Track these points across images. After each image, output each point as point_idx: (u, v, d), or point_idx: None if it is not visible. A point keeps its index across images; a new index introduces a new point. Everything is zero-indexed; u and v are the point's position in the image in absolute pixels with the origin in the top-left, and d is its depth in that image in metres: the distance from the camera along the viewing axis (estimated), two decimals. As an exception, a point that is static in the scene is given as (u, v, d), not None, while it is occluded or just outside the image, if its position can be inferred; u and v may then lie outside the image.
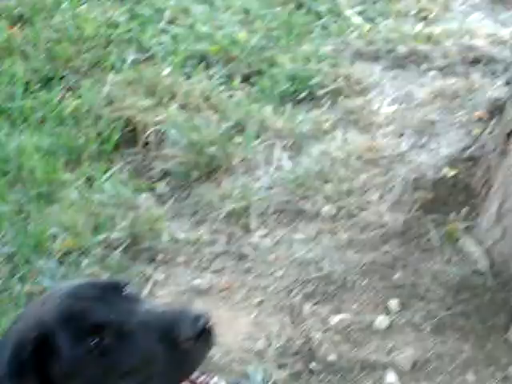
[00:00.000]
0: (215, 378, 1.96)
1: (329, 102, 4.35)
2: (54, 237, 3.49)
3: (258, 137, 4.13)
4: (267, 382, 2.78)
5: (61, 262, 3.37)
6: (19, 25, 5.01)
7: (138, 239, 3.52)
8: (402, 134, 3.99)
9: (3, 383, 1.83)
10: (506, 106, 3.30)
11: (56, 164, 3.91)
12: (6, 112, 4.31)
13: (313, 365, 2.87)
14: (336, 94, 4.39)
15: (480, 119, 3.76)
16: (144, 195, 3.79)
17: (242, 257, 3.46)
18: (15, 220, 3.58)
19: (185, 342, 1.78)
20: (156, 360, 1.84)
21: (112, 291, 1.97)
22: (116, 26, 4.94)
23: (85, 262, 3.36)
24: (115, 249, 3.45)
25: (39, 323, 1.92)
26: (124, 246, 3.46)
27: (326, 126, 4.17)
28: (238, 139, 4.11)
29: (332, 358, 2.88)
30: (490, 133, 3.46)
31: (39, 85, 4.48)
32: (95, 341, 1.84)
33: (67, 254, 3.41)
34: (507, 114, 3.27)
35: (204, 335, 1.80)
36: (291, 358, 2.90)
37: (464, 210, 3.44)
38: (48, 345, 1.87)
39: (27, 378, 1.84)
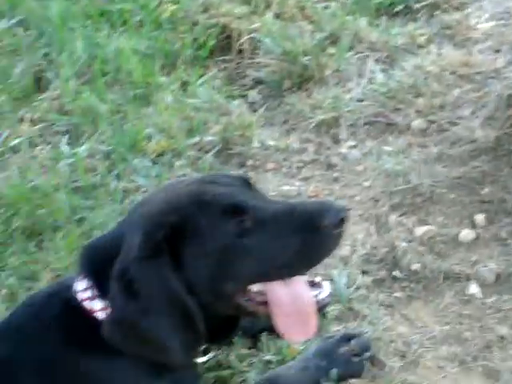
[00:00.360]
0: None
1: (425, 16, 4.29)
2: (149, 137, 3.61)
3: (351, 48, 4.12)
4: (351, 286, 2.84)
5: (155, 162, 3.49)
6: None
7: (230, 144, 3.60)
8: (498, 51, 3.92)
9: (134, 265, 1.94)
10: None
11: (153, 67, 4.01)
12: (107, 14, 4.42)
13: (396, 272, 2.92)
14: (433, 8, 4.32)
15: None
16: (236, 102, 3.85)
17: (330, 166, 3.51)
18: (113, 119, 3.71)
19: (327, 226, 1.95)
20: (297, 243, 1.99)
21: (244, 182, 2.08)
22: None
23: (178, 163, 3.47)
24: (207, 152, 3.55)
25: (177, 207, 2.01)
26: (216, 149, 3.56)
27: (421, 40, 4.13)
28: (331, 50, 4.11)
29: (415, 267, 2.92)
30: None
31: (137, -12, 4.54)
32: (237, 220, 1.97)
33: (161, 154, 3.53)
34: None
35: (342, 225, 1.99)
36: (375, 265, 2.96)
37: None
38: (186, 227, 1.99)
39: (162, 259, 1.96)
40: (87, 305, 2.04)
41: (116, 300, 1.96)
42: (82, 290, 2.05)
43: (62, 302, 2.08)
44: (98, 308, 2.03)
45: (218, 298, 2.04)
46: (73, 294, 2.06)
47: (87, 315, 2.03)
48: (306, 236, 1.98)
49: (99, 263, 2.05)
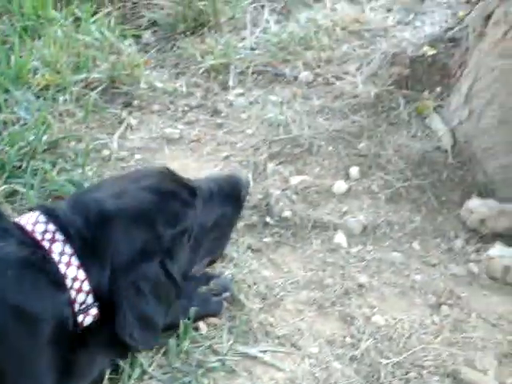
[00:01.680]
0: None
1: (323, -29, 4.33)
2: (35, 71, 3.55)
3: (249, -3, 4.15)
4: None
5: (38, 96, 3.44)
6: None
7: (117, 83, 3.59)
8: (390, 10, 4.01)
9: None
10: (490, -13, 3.32)
11: (45, 0, 3.93)
12: None
13: (268, 219, 2.98)
14: (331, -36, 4.37)
15: (468, 2, 3.76)
16: (128, 41, 3.83)
17: (215, 112, 3.54)
18: (-1, 50, 3.63)
19: (243, 195, 2.49)
20: (228, 213, 2.45)
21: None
22: None
23: (61, 98, 3.43)
24: (93, 90, 3.52)
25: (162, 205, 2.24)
26: (102, 87, 3.54)
27: (318, -7, 4.19)
28: (228, -3, 4.13)
29: (287, 214, 2.99)
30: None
31: None
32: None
33: (45, 88, 3.48)
34: (488, -4, 3.29)
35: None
36: (248, 210, 3.00)
37: (437, 90, 3.49)
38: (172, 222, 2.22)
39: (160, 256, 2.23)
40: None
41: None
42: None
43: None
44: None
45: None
46: None
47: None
48: (234, 206, 2.47)
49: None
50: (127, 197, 2.14)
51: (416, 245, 2.96)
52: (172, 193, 2.22)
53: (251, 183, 2.60)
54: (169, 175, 2.29)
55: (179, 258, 2.21)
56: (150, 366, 2.31)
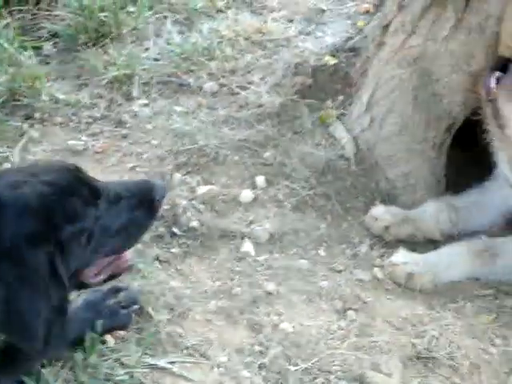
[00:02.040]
0: None
1: (227, -18, 4.36)
2: None
3: (150, 8, 4.13)
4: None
5: None
6: None
7: (17, 95, 3.53)
8: (291, 20, 4.05)
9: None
10: (387, -2, 3.40)
11: None
12: None
13: (175, 229, 2.97)
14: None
15: (367, 12, 3.84)
16: (28, 53, 3.76)
17: (120, 123, 3.51)
18: None
19: (158, 200, 2.39)
20: (139, 218, 2.37)
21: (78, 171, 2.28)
22: None
23: (-42, 110, 3.36)
24: (-8, 102, 3.45)
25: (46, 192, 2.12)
26: (1, 100, 3.47)
27: (220, 4, 4.21)
28: (130, 8, 4.10)
29: (194, 224, 2.98)
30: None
31: None
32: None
33: None
34: (386, 6, 3.36)
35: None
36: (156, 221, 2.97)
37: (340, 98, 3.55)
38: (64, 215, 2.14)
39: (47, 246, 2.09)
40: None
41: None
42: None
43: None
44: None
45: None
46: None
47: None
48: (145, 209, 2.36)
49: None
50: (26, 188, 2.09)
51: (322, 251, 3.00)
52: (73, 190, 2.16)
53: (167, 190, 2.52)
54: (74, 172, 2.23)
55: (72, 256, 2.14)
56: (55, 381, 2.26)
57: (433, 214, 3.22)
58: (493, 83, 2.98)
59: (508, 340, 2.62)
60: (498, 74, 2.98)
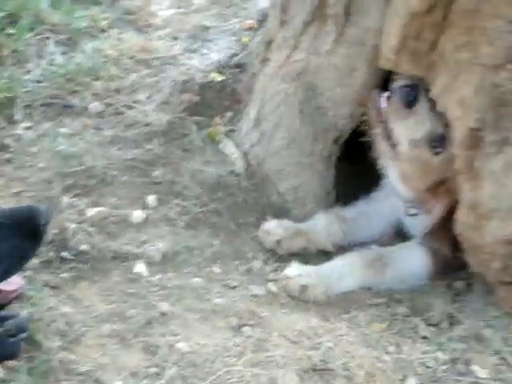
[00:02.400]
0: None
1: (108, 1, 4.32)
2: None
3: (31, 29, 4.04)
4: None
5: None
6: None
7: None
8: (176, 38, 4.04)
9: None
10: (269, 14, 3.43)
11: None
12: None
13: (65, 253, 2.90)
14: (116, -7, 4.37)
15: (251, 28, 3.87)
16: None
17: (3, 147, 3.41)
18: None
19: (43, 226, 2.34)
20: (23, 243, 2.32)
21: None
22: None
23: None
24: None
25: None
26: None
27: (104, 24, 4.16)
28: (10, 30, 4.01)
29: (84, 247, 2.92)
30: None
31: None
32: None
33: None
34: (269, 22, 3.40)
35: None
36: (44, 247, 2.90)
37: (228, 115, 3.57)
38: None
39: None
40: None
41: None
42: None
43: None
44: None
45: None
46: None
47: None
48: (28, 235, 2.33)
49: None
50: None
51: (216, 268, 2.98)
52: None
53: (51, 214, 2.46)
54: None
55: None
56: None
57: (324, 225, 3.26)
58: (383, 104, 3.04)
59: (401, 347, 2.66)
60: (386, 94, 3.04)
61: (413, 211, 3.29)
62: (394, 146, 3.08)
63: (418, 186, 3.13)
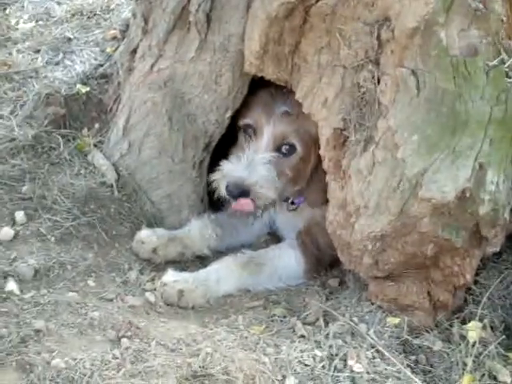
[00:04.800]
0: None
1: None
2: None
3: None
4: None
5: None
6: None
7: None
8: (38, 51, 3.96)
9: None
10: (131, 23, 3.41)
11: None
12: None
13: None
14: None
15: (114, 38, 3.84)
16: None
17: None
18: None
19: None
20: None
21: None
22: None
23: None
24: None
25: None
26: None
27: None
28: None
29: None
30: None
31: None
32: None
33: None
34: (131, 31, 3.38)
35: None
36: None
37: (96, 126, 3.52)
38: None
39: None
40: None
41: None
42: None
43: None
44: None
45: None
46: None
47: None
48: None
49: None
50: None
51: (91, 282, 2.94)
52: None
53: None
54: None
55: None
56: None
57: (198, 230, 3.28)
58: None
59: (280, 348, 2.69)
60: None
61: (292, 207, 3.37)
62: None
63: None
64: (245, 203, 3.14)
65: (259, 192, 3.13)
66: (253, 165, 3.14)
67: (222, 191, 3.16)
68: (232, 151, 3.29)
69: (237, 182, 3.12)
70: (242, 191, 3.12)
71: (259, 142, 3.18)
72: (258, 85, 3.25)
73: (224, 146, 3.36)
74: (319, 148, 2.98)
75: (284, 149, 3.20)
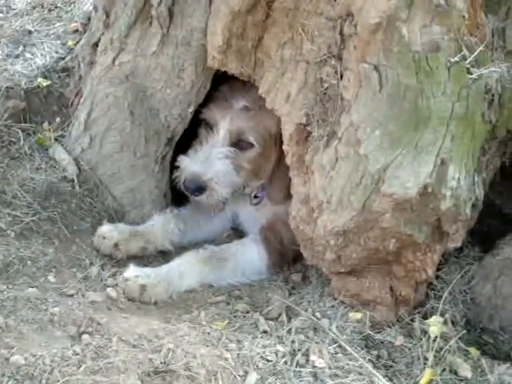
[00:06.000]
0: None
1: None
2: None
3: None
4: None
5: None
6: None
7: None
8: (-2, 43, 3.91)
9: None
10: (92, 16, 3.39)
11: None
12: None
13: None
14: None
15: (76, 31, 3.79)
16: None
17: None
18: None
19: None
20: None
21: None
22: None
23: None
24: None
25: None
26: None
27: None
28: None
29: None
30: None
31: None
32: None
33: None
34: (93, 24, 3.35)
35: None
36: None
37: (57, 120, 3.49)
38: None
39: None
40: None
41: None
42: None
43: None
44: None
45: None
46: None
47: None
48: None
49: None
50: None
51: (51, 277, 2.91)
52: None
53: None
54: None
55: None
56: None
57: (161, 225, 3.27)
58: None
59: (242, 343, 2.69)
60: None
61: (255, 200, 3.37)
62: None
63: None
64: None
65: (214, 188, 3.13)
66: (209, 159, 3.14)
67: (181, 186, 3.16)
68: (192, 145, 3.28)
69: (193, 177, 3.12)
70: (199, 187, 3.12)
71: (216, 137, 3.18)
72: (223, 80, 3.25)
73: (189, 142, 3.34)
74: (281, 144, 2.98)
75: (241, 144, 3.21)
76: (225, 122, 3.19)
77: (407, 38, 2.53)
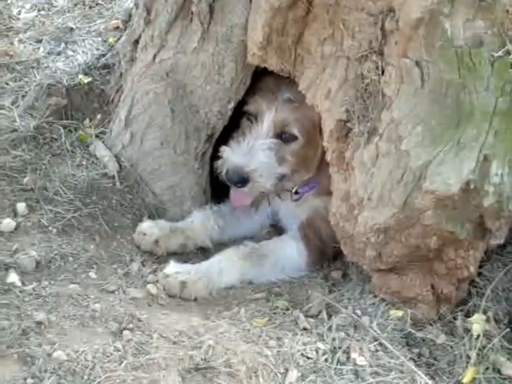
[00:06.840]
0: None
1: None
2: None
3: None
4: None
5: None
6: None
7: None
8: (40, 41, 3.94)
9: None
10: (133, 13, 3.40)
11: None
12: None
13: None
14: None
15: (116, 28, 3.82)
16: None
17: None
18: None
19: None
20: None
21: None
22: None
23: None
24: None
25: None
26: None
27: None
28: None
29: None
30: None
31: None
32: None
33: None
34: (134, 21, 3.36)
35: None
36: None
37: (98, 117, 3.51)
38: None
39: None
40: None
41: None
42: None
43: None
44: None
45: None
46: None
47: None
48: None
49: None
50: None
51: (93, 274, 2.93)
52: None
53: None
54: None
55: None
56: None
57: (201, 221, 3.27)
58: None
59: (282, 340, 2.68)
60: None
61: (296, 196, 3.35)
62: None
63: None
64: (242, 196, 3.15)
65: (257, 181, 3.12)
66: (253, 151, 3.13)
67: (223, 177, 3.15)
68: (233, 136, 3.26)
69: (236, 168, 3.11)
70: (242, 178, 3.11)
71: (260, 128, 3.17)
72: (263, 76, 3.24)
73: (228, 139, 3.34)
74: (326, 137, 2.96)
75: (284, 136, 3.19)
76: (270, 113, 3.17)
77: (450, 33, 2.50)
